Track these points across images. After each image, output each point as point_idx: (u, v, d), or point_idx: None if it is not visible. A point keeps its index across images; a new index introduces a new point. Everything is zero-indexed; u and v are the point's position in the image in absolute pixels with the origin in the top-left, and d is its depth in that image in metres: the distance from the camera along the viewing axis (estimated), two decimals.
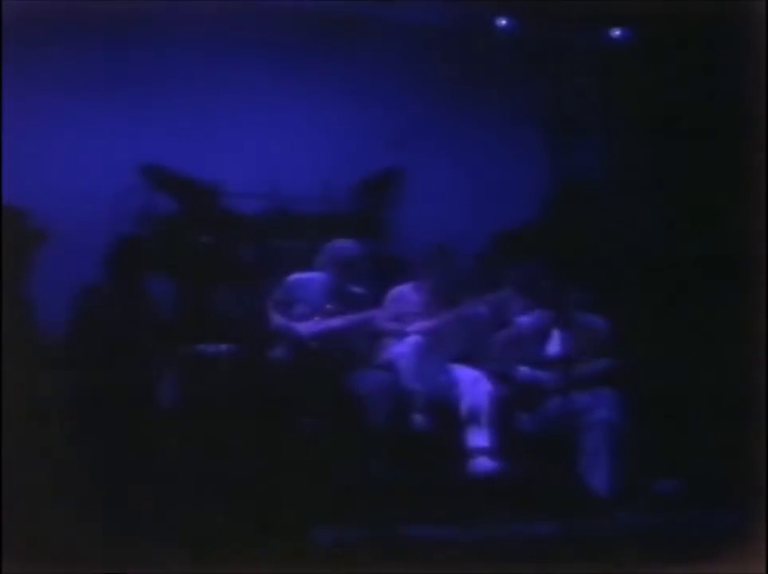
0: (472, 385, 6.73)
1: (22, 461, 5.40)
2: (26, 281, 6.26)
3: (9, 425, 5.45)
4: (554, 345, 7.06)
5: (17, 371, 5.63)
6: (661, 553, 5.48)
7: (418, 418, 6.58)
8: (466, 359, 6.92)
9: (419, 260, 7.21)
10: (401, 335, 6.89)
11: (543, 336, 7.07)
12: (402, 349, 6.74)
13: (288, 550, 5.47)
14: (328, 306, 6.90)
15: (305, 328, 6.82)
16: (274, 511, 5.80)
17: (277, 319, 6.87)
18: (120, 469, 5.86)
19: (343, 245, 7.02)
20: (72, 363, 6.36)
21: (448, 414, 6.66)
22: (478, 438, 6.58)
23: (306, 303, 6.92)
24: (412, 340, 6.77)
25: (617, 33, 8.14)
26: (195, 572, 5.19)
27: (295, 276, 7.03)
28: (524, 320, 7.12)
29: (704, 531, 5.84)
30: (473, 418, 6.62)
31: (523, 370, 6.97)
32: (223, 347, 6.69)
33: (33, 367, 5.88)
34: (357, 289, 7.04)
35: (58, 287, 6.47)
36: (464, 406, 6.67)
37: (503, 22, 8.11)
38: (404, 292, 7.17)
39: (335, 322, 6.83)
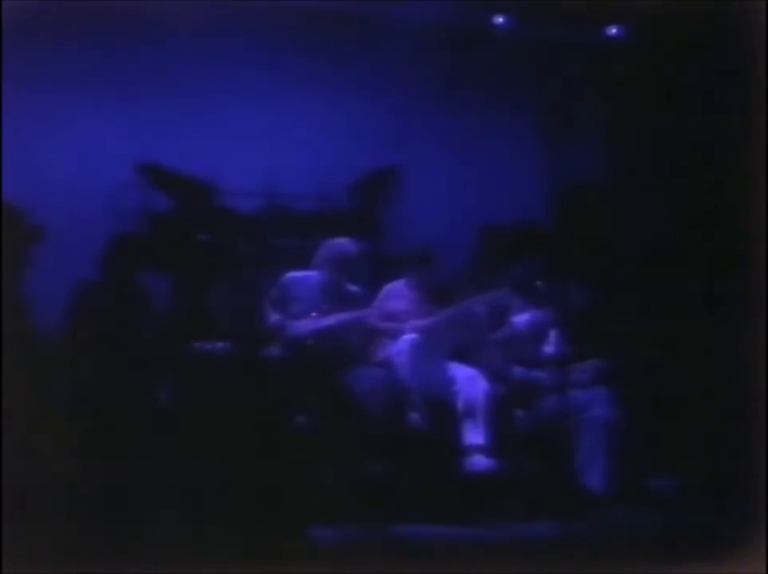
0: (469, 383, 6.72)
1: (22, 461, 5.38)
2: (24, 278, 6.24)
3: (8, 424, 5.43)
4: (550, 344, 7.09)
5: (16, 369, 5.61)
6: (661, 553, 5.48)
7: (415, 416, 6.58)
8: (463, 358, 6.92)
9: (408, 258, 7.21)
10: (396, 332, 6.89)
11: (540, 335, 7.10)
12: (400, 347, 6.74)
13: (287, 550, 5.46)
14: (325, 304, 6.89)
15: (302, 326, 6.81)
16: (272, 510, 5.79)
17: (274, 317, 6.87)
18: (119, 468, 5.84)
19: (340, 243, 7.01)
20: (69, 360, 6.34)
21: (444, 412, 6.65)
22: (474, 435, 6.56)
23: (302, 301, 6.92)
24: (409, 337, 6.76)
25: (616, 31, 8.15)
26: (194, 572, 5.17)
27: (292, 274, 7.03)
28: (521, 319, 7.13)
29: (704, 531, 5.85)
30: (470, 415, 6.61)
31: (520, 369, 6.99)
32: (219, 345, 6.68)
33: (31, 364, 5.86)
34: (353, 288, 7.04)
35: (55, 284, 6.46)
36: (461, 403, 6.65)
37: (502, 21, 8.12)
38: (396, 289, 7.17)
39: (331, 320, 6.82)
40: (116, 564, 5.11)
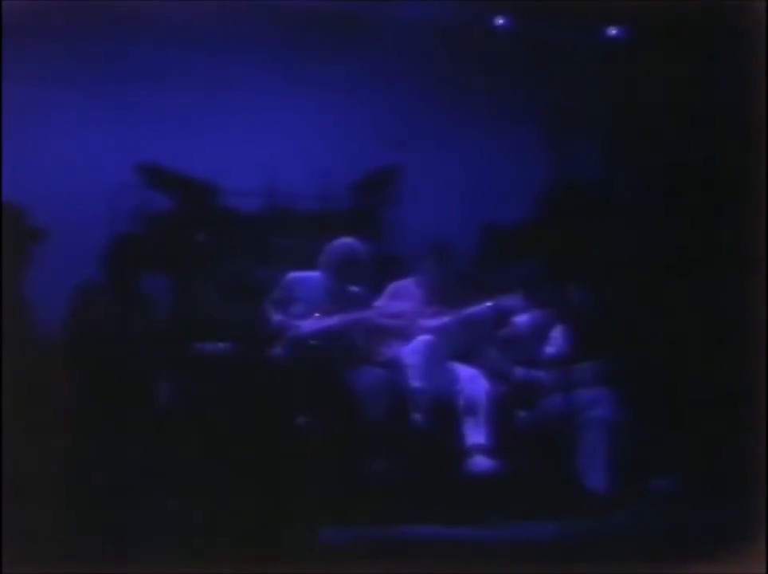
0: (470, 382, 6.72)
1: (22, 461, 5.38)
2: (24, 278, 6.24)
3: (8, 424, 5.43)
4: (552, 344, 7.09)
5: (15, 369, 5.61)
6: (661, 553, 5.48)
7: (418, 417, 6.58)
8: (465, 358, 6.91)
9: (416, 257, 7.21)
10: (402, 331, 6.88)
11: (542, 335, 7.09)
12: (415, 347, 6.73)
13: (290, 550, 5.46)
14: (328, 305, 6.89)
15: (304, 326, 6.80)
16: (274, 511, 5.79)
17: (276, 317, 6.87)
18: (120, 468, 5.85)
19: (343, 243, 7.00)
20: (69, 361, 6.34)
21: (447, 412, 6.65)
22: (476, 435, 6.56)
23: (304, 301, 6.91)
24: (424, 338, 6.75)
25: (616, 31, 8.15)
26: (195, 571, 5.17)
27: (294, 274, 7.02)
28: (523, 319, 7.13)
29: (704, 531, 5.85)
30: (471, 415, 6.61)
31: (521, 369, 6.99)
32: (221, 346, 6.68)
33: (31, 365, 5.86)
34: (356, 288, 7.03)
35: (55, 285, 6.46)
36: (463, 403, 6.65)
37: (502, 21, 8.12)
38: (401, 288, 7.16)
39: (334, 320, 6.81)
40: (116, 564, 5.12)
